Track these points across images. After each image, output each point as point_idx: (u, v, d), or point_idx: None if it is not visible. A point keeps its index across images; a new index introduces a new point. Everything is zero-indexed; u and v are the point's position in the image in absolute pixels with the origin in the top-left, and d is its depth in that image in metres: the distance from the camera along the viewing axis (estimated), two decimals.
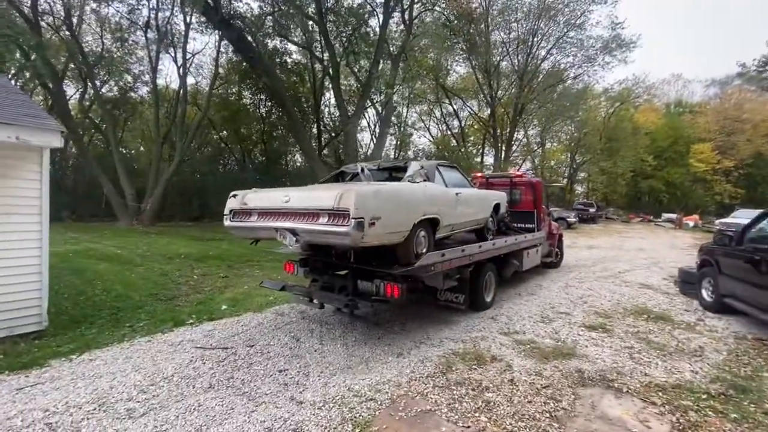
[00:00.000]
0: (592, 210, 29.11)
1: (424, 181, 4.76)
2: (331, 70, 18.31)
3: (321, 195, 3.84)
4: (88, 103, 21.70)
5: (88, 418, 2.72)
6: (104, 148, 20.25)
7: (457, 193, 5.34)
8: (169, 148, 23.27)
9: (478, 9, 23.33)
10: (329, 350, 4.10)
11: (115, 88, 23.98)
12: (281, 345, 4.22)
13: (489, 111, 32.45)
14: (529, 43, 28.04)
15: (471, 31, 24.00)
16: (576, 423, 2.83)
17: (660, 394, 3.32)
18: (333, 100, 30.63)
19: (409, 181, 4.59)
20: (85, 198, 20.44)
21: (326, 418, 2.76)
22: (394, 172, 5.46)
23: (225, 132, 28.71)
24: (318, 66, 28.05)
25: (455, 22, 21.71)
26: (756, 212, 19.64)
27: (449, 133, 39.51)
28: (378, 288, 4.22)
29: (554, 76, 29.61)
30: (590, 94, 32.39)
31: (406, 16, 19.47)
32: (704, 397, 3.31)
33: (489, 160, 37.00)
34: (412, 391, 3.19)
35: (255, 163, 28.68)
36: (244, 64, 21.81)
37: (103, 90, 22.33)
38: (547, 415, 2.90)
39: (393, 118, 28.60)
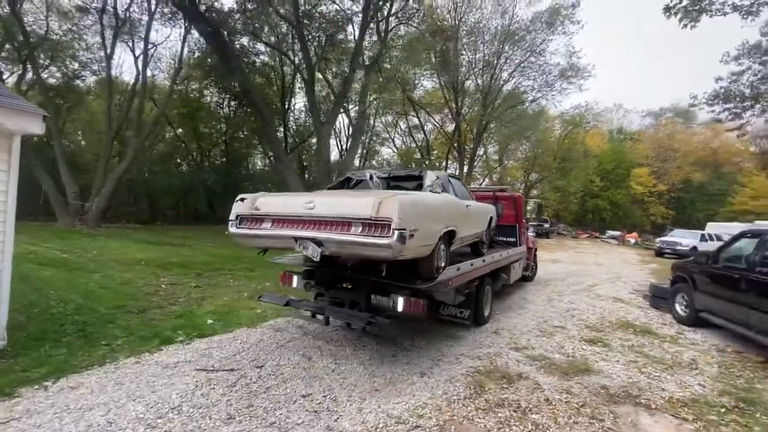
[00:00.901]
0: (546, 225, 30.95)
1: (443, 192, 4.64)
2: (305, 75, 17.86)
3: (354, 202, 3.56)
4: (26, 88, 19.38)
5: None
6: (43, 139, 18.11)
7: (467, 206, 5.28)
8: (118, 144, 21.37)
9: (451, 27, 24.06)
10: (347, 370, 3.79)
11: (58, 74, 21.75)
12: (293, 365, 3.84)
13: (454, 126, 33.56)
14: (494, 65, 29.44)
15: (443, 48, 24.68)
16: None
17: (686, 409, 3.40)
18: (298, 105, 30.09)
19: (429, 191, 4.41)
20: (18, 193, 18.07)
21: None
22: (406, 181, 5.28)
23: (181, 130, 27.01)
24: (287, 69, 27.49)
25: (428, 38, 22.23)
26: (689, 231, 21.63)
27: (414, 145, 40.25)
28: (395, 303, 3.94)
29: (515, 98, 31.21)
30: (545, 117, 34.58)
31: (381, 28, 19.58)
32: (723, 410, 3.43)
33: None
34: (456, 415, 3.00)
35: (216, 164, 27.15)
36: (209, 60, 20.76)
37: (45, 75, 20.11)
38: None
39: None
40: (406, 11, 20.36)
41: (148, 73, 22.33)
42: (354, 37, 18.69)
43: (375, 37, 19.83)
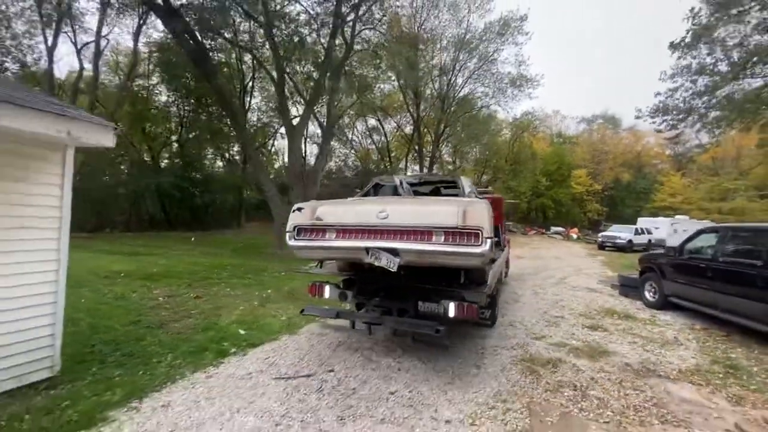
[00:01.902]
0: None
1: (477, 197, 5.03)
2: (276, 77, 17.49)
3: (437, 211, 3.51)
4: None
5: None
6: None
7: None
8: None
9: (412, 34, 24.80)
10: (411, 367, 4.06)
11: None
12: (360, 366, 4.02)
13: (413, 129, 34.60)
14: (451, 71, 30.86)
15: (407, 54, 25.35)
16: (672, 406, 3.39)
17: (695, 377, 4.14)
18: (254, 104, 29.20)
19: (474, 197, 4.74)
20: None
21: (492, 431, 2.83)
22: (437, 187, 5.59)
23: (128, 130, 25.01)
24: (246, 68, 26.59)
25: (394, 44, 22.78)
26: (624, 226, 24.33)
27: (373, 146, 40.72)
28: (446, 309, 3.83)
29: (470, 103, 32.87)
30: (497, 122, 36.80)
31: (347, 33, 19.70)
32: (721, 376, 4.22)
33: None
34: (535, 397, 3.42)
35: (169, 167, 25.44)
36: (173, 59, 19.58)
37: None
38: (648, 402, 3.42)
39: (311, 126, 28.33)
40: (371, 17, 20.66)
41: (87, 66, 20.44)
42: (322, 41, 18.67)
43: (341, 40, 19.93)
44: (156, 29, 21.16)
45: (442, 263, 3.59)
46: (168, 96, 23.70)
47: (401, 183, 5.56)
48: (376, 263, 3.50)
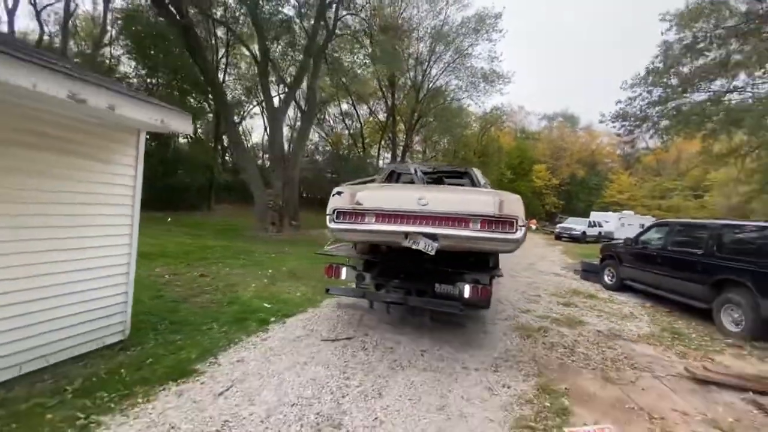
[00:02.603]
0: None
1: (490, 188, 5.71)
2: (258, 58, 17.25)
3: (475, 200, 3.82)
4: None
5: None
6: None
7: None
8: None
9: (396, 24, 25.06)
10: (430, 333, 4.77)
11: None
12: (389, 332, 4.68)
13: (386, 116, 35.09)
14: (427, 62, 31.54)
15: (394, 45, 25.62)
16: (638, 358, 4.38)
17: (651, 340, 5.22)
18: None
19: (489, 188, 5.39)
20: None
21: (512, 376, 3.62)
22: (451, 177, 6.19)
23: None
24: (220, 43, 25.63)
25: (376, 31, 22.97)
26: (578, 219, 26.55)
27: (346, 131, 40.69)
28: (461, 291, 4.14)
29: (442, 95, 33.79)
30: (465, 113, 38.05)
31: (330, 19, 19.66)
32: (670, 339, 5.34)
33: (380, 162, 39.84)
34: (536, 353, 4.28)
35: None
36: (140, 29, 18.60)
37: None
38: (620, 356, 4.39)
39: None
40: (353, 2, 20.67)
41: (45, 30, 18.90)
42: (304, 25, 18.56)
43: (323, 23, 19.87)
44: None
45: (478, 248, 3.97)
46: (134, 68, 22.43)
47: (416, 171, 6.11)
48: (414, 247, 3.76)
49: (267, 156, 29.94)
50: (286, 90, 19.26)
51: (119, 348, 3.67)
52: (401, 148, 34.97)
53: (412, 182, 6.04)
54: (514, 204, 3.68)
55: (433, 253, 3.74)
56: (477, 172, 5.87)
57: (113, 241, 3.59)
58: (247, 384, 3.15)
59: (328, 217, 4.11)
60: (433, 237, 3.71)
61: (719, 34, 11.36)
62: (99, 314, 3.52)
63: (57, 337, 3.15)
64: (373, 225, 3.91)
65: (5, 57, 2.10)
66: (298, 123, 30.80)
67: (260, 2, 15.84)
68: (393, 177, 6.35)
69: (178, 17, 12.70)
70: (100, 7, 20.59)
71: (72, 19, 18.31)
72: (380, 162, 40.43)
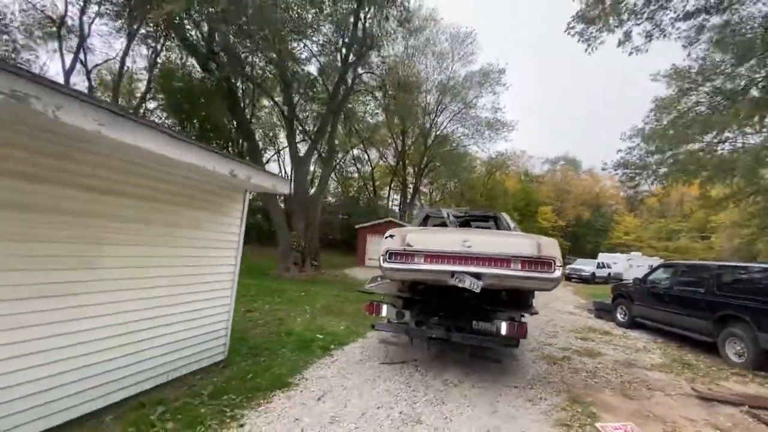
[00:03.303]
0: None
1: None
2: (286, 113, 19.14)
3: (516, 242, 4.18)
4: None
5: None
6: None
7: None
8: None
9: (411, 81, 27.29)
10: (469, 363, 5.50)
11: None
12: (434, 360, 5.43)
13: (396, 161, 36.97)
14: (434, 112, 33.84)
15: (401, 98, 27.81)
16: (652, 382, 5.07)
17: (664, 368, 5.89)
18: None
19: (519, 231, 6.26)
20: None
21: (547, 390, 4.36)
22: (480, 221, 7.04)
23: None
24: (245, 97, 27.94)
25: (390, 89, 25.15)
26: (587, 260, 27.12)
27: (356, 174, 42.40)
28: (498, 328, 4.41)
29: (449, 141, 35.78)
30: (470, 157, 39.83)
31: (349, 77, 21.68)
32: (680, 367, 6.00)
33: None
34: (564, 376, 5.00)
35: None
36: (179, 85, 20.75)
37: None
38: (636, 380, 5.09)
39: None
40: (369, 63, 22.86)
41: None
42: (327, 83, 20.59)
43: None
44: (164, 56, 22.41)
45: (519, 286, 4.27)
46: (167, 120, 24.50)
47: (448, 216, 6.99)
48: (460, 285, 4.07)
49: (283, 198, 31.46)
50: (310, 141, 20.93)
51: (222, 366, 4.50)
52: (410, 190, 36.51)
53: (444, 225, 6.89)
54: (551, 246, 4.04)
55: (478, 290, 4.04)
56: (506, 216, 6.47)
57: (223, 277, 4.53)
58: (336, 393, 3.94)
59: (381, 257, 4.42)
60: (477, 276, 4.03)
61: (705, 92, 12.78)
62: (212, 336, 4.39)
63: (189, 352, 4.02)
64: (422, 265, 4.24)
65: (213, 154, 3.19)
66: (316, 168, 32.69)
67: (289, 64, 17.83)
68: (427, 221, 7.18)
69: (224, 82, 14.43)
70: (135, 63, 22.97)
71: (121, 78, 20.45)
72: (390, 203, 41.90)
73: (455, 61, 32.38)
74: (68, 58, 18.22)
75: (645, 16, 7.87)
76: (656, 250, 37.10)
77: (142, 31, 16.63)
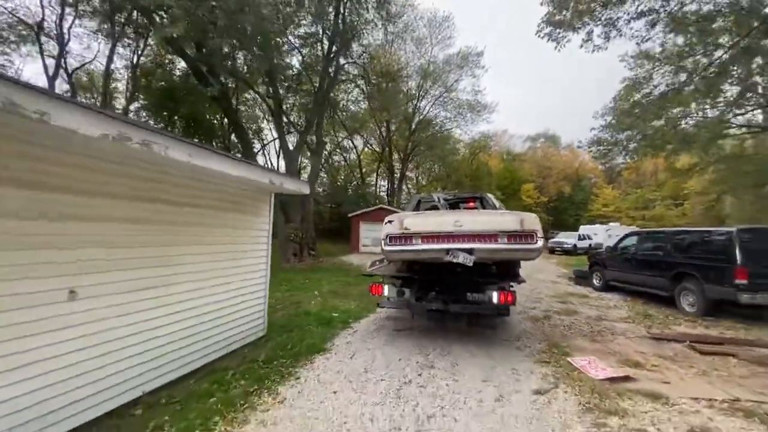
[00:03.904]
0: None
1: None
2: (272, 107, 19.55)
3: (501, 219, 4.57)
4: None
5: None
6: None
7: None
8: None
9: (393, 69, 27.74)
10: (465, 327, 6.50)
11: None
12: (436, 324, 6.41)
13: (381, 147, 37.62)
14: (416, 97, 34.42)
15: (385, 85, 28.28)
16: (617, 331, 6.18)
17: (628, 321, 7.03)
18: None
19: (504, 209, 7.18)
20: None
21: (531, 342, 5.40)
22: (465, 203, 7.88)
23: None
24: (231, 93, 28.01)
25: (373, 77, 25.63)
26: (569, 233, 28.73)
27: (344, 163, 42.89)
28: (491, 297, 4.92)
29: (431, 125, 36.55)
30: (453, 140, 40.74)
31: (332, 68, 22.08)
32: (643, 319, 7.16)
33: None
34: (545, 330, 6.06)
35: None
36: (162, 85, 20.87)
37: None
38: (605, 330, 6.20)
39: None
40: (351, 53, 23.26)
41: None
42: (311, 77, 20.98)
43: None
44: (145, 56, 22.36)
45: (506, 258, 4.83)
46: (151, 121, 24.55)
47: (439, 199, 7.83)
48: (455, 260, 4.47)
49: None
50: (297, 134, 21.45)
51: (264, 340, 5.38)
52: (398, 175, 37.34)
53: (435, 208, 7.72)
54: (532, 220, 4.49)
55: (471, 264, 4.47)
56: (491, 197, 7.15)
57: (260, 266, 5.37)
58: (363, 353, 4.88)
59: (382, 241, 4.82)
60: (469, 251, 4.45)
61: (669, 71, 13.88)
62: (255, 316, 5.26)
63: (240, 330, 4.89)
64: (420, 245, 4.67)
65: (257, 168, 3.98)
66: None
67: (275, 61, 18.18)
68: (420, 205, 7.91)
69: (213, 83, 14.82)
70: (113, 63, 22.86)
71: (108, 80, 20.45)
72: (377, 190, 42.66)
73: (434, 45, 32.90)
74: (40, 62, 18.16)
75: (603, 17, 8.76)
76: (634, 219, 38.98)
77: (127, 31, 16.71)
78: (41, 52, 17.87)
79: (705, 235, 7.82)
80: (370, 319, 6.92)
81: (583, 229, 31.34)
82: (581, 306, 8.45)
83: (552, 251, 28.56)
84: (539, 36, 9.35)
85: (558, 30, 8.99)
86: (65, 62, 19.69)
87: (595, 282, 11.08)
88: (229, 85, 18.09)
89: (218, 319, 4.50)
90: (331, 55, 19.88)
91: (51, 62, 18.71)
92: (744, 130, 15.00)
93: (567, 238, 28.86)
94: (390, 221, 4.85)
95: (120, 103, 23.92)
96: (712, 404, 3.45)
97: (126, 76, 23.32)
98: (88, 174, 2.93)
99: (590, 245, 28.26)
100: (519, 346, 5.21)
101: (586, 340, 5.60)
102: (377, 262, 7.36)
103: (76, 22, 17.69)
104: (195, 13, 8.44)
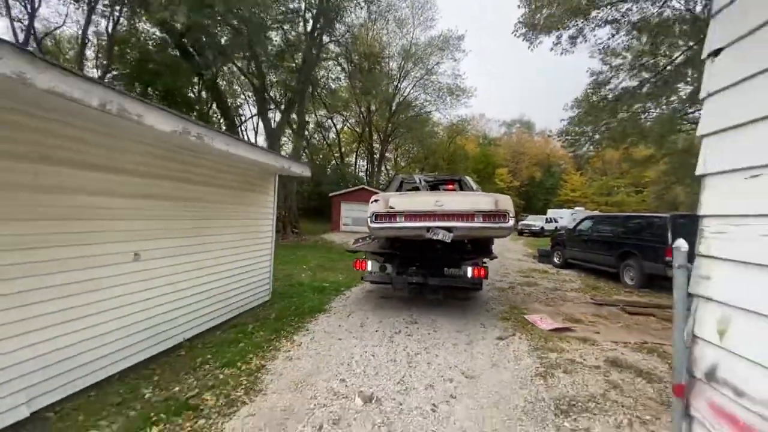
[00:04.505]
0: None
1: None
2: (255, 83, 19.56)
3: (477, 200, 4.97)
4: None
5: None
6: None
7: None
8: None
9: (376, 51, 27.88)
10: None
11: None
12: (418, 298, 7.40)
13: (361, 128, 37.93)
14: (397, 78, 34.74)
15: (367, 66, 28.45)
16: (568, 298, 7.38)
17: (578, 290, 8.29)
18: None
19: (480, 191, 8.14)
20: None
21: (498, 307, 6.47)
22: (449, 184, 8.76)
23: None
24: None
25: (356, 58, 25.80)
26: (537, 216, 30.73)
27: (324, 141, 42.91)
28: (465, 272, 5.41)
29: (412, 107, 37.10)
30: (432, 122, 41.54)
31: (314, 47, 22.13)
32: (590, 290, 8.44)
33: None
34: (509, 297, 7.17)
35: None
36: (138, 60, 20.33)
37: None
38: (557, 298, 7.38)
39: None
40: (334, 32, 23.32)
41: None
42: (294, 55, 21.00)
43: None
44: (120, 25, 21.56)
45: (481, 235, 5.33)
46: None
47: (420, 181, 8.66)
48: (435, 237, 4.87)
49: None
50: (280, 113, 21.59)
51: (270, 303, 6.19)
52: (378, 156, 37.93)
53: (417, 189, 8.54)
54: (505, 201, 4.92)
55: (449, 241, 4.89)
56: (469, 179, 7.82)
57: (266, 238, 6.11)
58: (358, 312, 5.80)
59: (368, 218, 5.14)
60: (448, 229, 4.84)
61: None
62: (263, 282, 6.04)
63: (252, 293, 5.68)
64: (403, 223, 4.99)
65: (274, 155, 4.69)
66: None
67: (262, 37, 18.13)
68: (402, 186, 8.65)
69: (197, 58, 14.83)
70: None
71: (84, 48, 19.69)
72: (356, 170, 43.13)
73: (416, 27, 33.13)
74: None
75: (571, 24, 9.66)
76: (598, 204, 41.54)
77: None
78: (10, 16, 17.06)
79: (646, 219, 9.14)
80: (358, 288, 7.82)
81: (551, 213, 33.30)
82: (541, 280, 9.70)
83: (521, 233, 30.36)
84: (515, 35, 10.21)
85: (532, 32, 9.83)
86: (34, 29, 18.86)
87: (556, 260, 12.43)
88: (214, 61, 17.95)
89: (237, 281, 5.26)
90: (315, 33, 19.96)
91: (17, 25, 17.92)
92: (695, 126, 16.63)
93: (535, 221, 30.72)
94: (376, 200, 5.20)
95: (91, 72, 23.08)
96: (626, 345, 4.59)
97: (95, 44, 22.52)
98: (149, 159, 3.58)
99: (556, 228, 30.20)
100: (487, 309, 6.28)
101: (541, 304, 6.75)
102: (360, 240, 8.09)
103: None
104: None
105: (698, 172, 1.97)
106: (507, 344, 4.55)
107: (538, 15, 9.24)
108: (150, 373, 3.50)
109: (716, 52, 1.90)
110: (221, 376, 3.46)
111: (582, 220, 11.70)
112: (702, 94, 1.93)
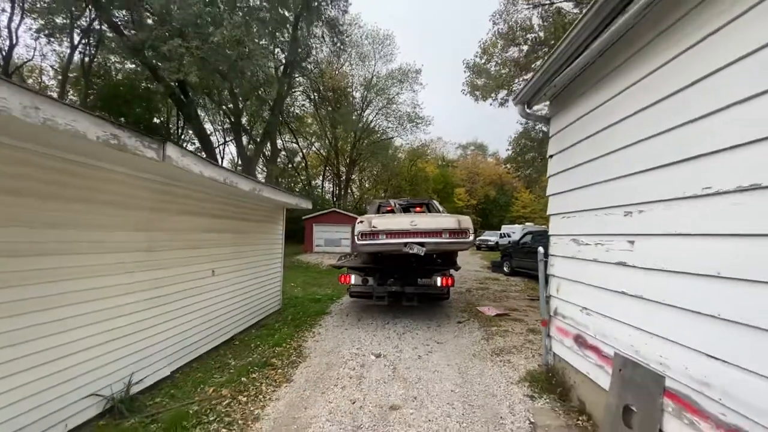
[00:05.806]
0: None
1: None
2: (231, 119, 21.00)
3: (443, 220, 6.04)
4: None
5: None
6: None
7: None
8: None
9: (343, 85, 30.15)
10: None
11: None
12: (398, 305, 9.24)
13: (327, 152, 39.82)
14: (360, 107, 37.22)
15: (333, 96, 30.62)
16: (511, 296, 9.53)
17: (521, 292, 10.52)
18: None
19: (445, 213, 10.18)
20: None
21: (460, 305, 8.46)
22: (418, 206, 10.73)
23: None
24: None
25: (325, 92, 27.91)
26: (493, 232, 33.88)
27: (290, 166, 44.17)
28: (435, 281, 6.53)
29: (374, 133, 39.63)
30: (393, 147, 44.30)
31: (286, 82, 23.99)
32: (530, 291, 10.69)
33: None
34: (467, 298, 9.20)
35: None
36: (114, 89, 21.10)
37: None
38: (504, 296, 9.52)
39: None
40: (305, 69, 25.37)
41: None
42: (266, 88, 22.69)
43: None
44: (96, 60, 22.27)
45: (447, 249, 6.30)
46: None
47: (395, 204, 10.57)
48: (411, 251, 5.84)
49: None
50: (254, 144, 23.04)
51: (282, 310, 7.75)
52: (344, 178, 39.85)
53: (392, 211, 10.43)
54: (466, 221, 6.11)
55: (422, 254, 5.89)
56: (435, 203, 9.80)
57: (277, 261, 7.73)
58: (353, 314, 7.53)
59: (354, 236, 6.17)
60: (421, 244, 5.85)
61: None
62: (276, 293, 7.62)
63: (268, 302, 7.27)
64: (384, 240, 6.03)
65: (288, 193, 6.46)
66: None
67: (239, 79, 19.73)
68: (380, 209, 10.46)
69: (182, 97, 16.14)
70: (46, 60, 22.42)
71: (66, 81, 20.17)
72: (323, 193, 44.68)
73: (377, 60, 35.93)
74: None
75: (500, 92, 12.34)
76: (546, 220, 45.64)
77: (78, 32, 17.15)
78: None
79: None
80: (347, 299, 9.52)
81: (504, 228, 36.61)
82: (493, 285, 11.90)
83: (479, 247, 33.17)
84: (463, 93, 12.83)
85: (475, 93, 12.41)
86: (8, 64, 19.23)
87: (505, 269, 14.80)
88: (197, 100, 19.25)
89: (261, 292, 6.85)
90: (288, 70, 21.84)
91: None
92: None
93: (491, 236, 33.74)
94: (361, 221, 6.18)
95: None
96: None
97: (71, 78, 22.95)
98: (208, 204, 5.24)
99: (509, 242, 33.43)
100: (450, 306, 8.25)
101: (490, 301, 8.84)
102: (343, 257, 9.81)
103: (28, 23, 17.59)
104: (206, 60, 10.16)
105: (547, 213, 4.08)
106: (464, 325, 6.51)
107: (477, 82, 11.75)
108: (223, 354, 5.06)
109: (551, 156, 4.05)
110: (276, 350, 5.11)
111: (524, 235, 14.20)
112: (547, 175, 4.07)
